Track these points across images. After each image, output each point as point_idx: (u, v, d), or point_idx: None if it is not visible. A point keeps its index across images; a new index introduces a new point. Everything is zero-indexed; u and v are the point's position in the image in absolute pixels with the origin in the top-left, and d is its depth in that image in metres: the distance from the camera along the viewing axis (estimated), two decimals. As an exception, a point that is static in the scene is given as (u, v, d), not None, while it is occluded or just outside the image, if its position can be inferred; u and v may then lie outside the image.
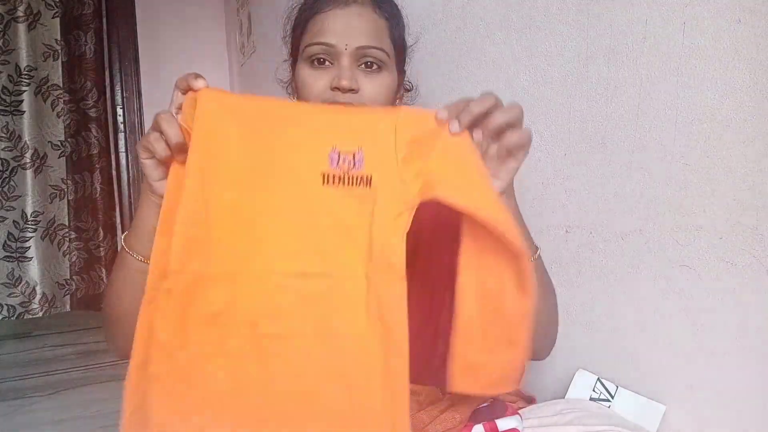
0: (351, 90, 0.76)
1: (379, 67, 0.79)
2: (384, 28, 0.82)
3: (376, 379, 0.58)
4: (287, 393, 0.58)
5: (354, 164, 0.60)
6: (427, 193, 0.60)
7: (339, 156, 0.60)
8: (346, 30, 0.78)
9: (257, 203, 0.60)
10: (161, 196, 0.63)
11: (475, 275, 0.61)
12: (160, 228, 0.61)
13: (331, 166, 0.60)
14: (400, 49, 0.86)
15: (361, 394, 0.58)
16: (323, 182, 0.60)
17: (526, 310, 0.60)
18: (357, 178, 0.60)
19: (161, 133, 0.61)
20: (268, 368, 0.58)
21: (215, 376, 0.58)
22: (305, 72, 0.80)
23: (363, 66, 0.78)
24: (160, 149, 0.61)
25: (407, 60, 0.91)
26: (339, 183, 0.60)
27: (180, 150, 0.60)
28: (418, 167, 0.61)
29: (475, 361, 0.61)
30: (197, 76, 0.61)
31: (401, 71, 0.88)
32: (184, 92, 0.62)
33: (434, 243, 0.73)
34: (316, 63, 0.79)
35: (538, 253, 0.71)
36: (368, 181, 0.60)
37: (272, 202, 0.60)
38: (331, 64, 0.78)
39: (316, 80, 0.78)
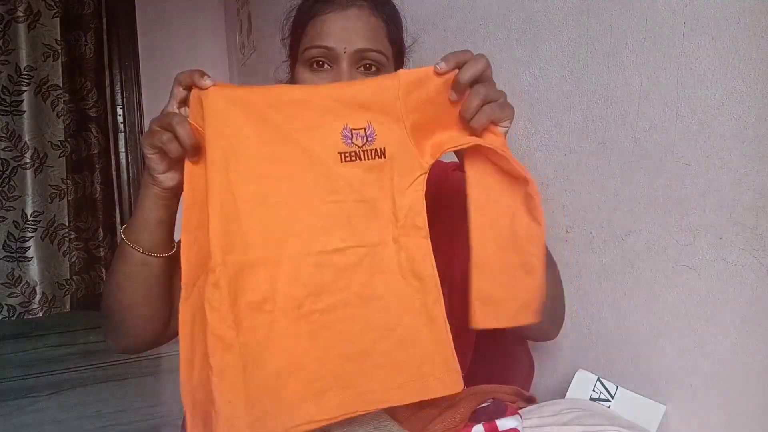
0: None
1: (378, 69, 0.80)
2: (382, 30, 0.82)
3: (421, 327, 0.64)
4: (343, 358, 0.62)
5: (367, 139, 0.64)
6: (437, 151, 0.65)
7: (352, 133, 0.64)
8: (345, 33, 0.78)
9: (282, 190, 0.63)
10: (165, 188, 0.65)
11: (485, 211, 0.66)
12: (185, 225, 0.63)
13: (345, 144, 0.63)
14: (399, 50, 0.87)
15: (412, 343, 0.63)
16: (341, 161, 0.63)
17: (538, 235, 0.65)
18: (371, 152, 0.64)
19: (174, 133, 0.61)
20: (321, 342, 0.62)
21: (271, 360, 0.60)
22: (305, 75, 0.80)
23: (362, 69, 0.79)
24: (174, 149, 0.61)
25: (406, 60, 0.92)
26: (356, 159, 0.64)
27: (194, 150, 0.62)
28: (426, 128, 0.65)
29: (495, 294, 0.66)
30: (202, 74, 0.61)
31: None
32: (187, 89, 0.63)
33: (443, 200, 0.75)
34: (315, 66, 0.79)
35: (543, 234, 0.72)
36: (383, 153, 0.64)
37: (297, 187, 0.63)
38: (330, 66, 0.79)
39: (315, 83, 0.78)
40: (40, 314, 2.94)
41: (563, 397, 0.84)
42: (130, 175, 2.99)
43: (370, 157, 0.64)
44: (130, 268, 0.70)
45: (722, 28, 0.68)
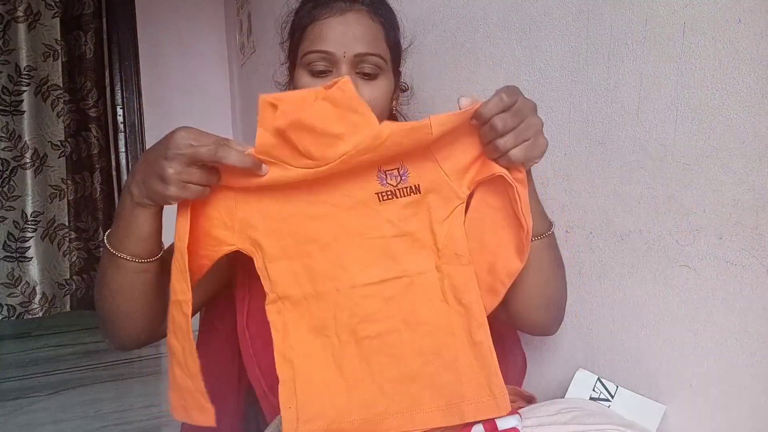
0: None
1: (377, 74, 0.81)
2: (380, 34, 0.83)
3: (466, 351, 0.68)
4: (393, 381, 0.68)
5: (401, 178, 0.69)
6: (472, 182, 0.69)
7: (386, 174, 0.69)
8: (344, 38, 0.79)
9: (331, 231, 0.69)
10: (162, 205, 0.67)
11: (478, 227, 0.70)
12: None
13: (381, 185, 0.69)
14: (396, 52, 0.88)
15: (456, 367, 0.68)
16: (379, 200, 0.69)
17: (515, 270, 0.71)
18: (406, 189, 0.69)
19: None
20: (373, 365, 0.69)
21: (331, 378, 0.69)
22: (304, 80, 0.81)
23: (361, 73, 0.80)
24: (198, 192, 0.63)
25: (402, 61, 0.92)
26: (392, 197, 0.69)
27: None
28: (459, 160, 0.68)
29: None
30: (260, 164, 0.63)
31: (397, 73, 0.90)
32: (225, 167, 0.63)
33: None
34: (314, 70, 0.80)
35: (552, 228, 0.76)
36: (417, 189, 0.69)
37: (342, 227, 0.69)
38: (330, 71, 0.80)
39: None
40: (40, 314, 2.94)
41: (563, 396, 0.84)
42: (130, 175, 2.99)
43: (405, 194, 0.69)
44: (125, 278, 0.69)
45: (722, 28, 0.68)
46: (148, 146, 0.77)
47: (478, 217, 0.70)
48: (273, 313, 0.69)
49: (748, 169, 0.67)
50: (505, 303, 0.75)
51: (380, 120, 0.84)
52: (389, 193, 0.69)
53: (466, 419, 0.67)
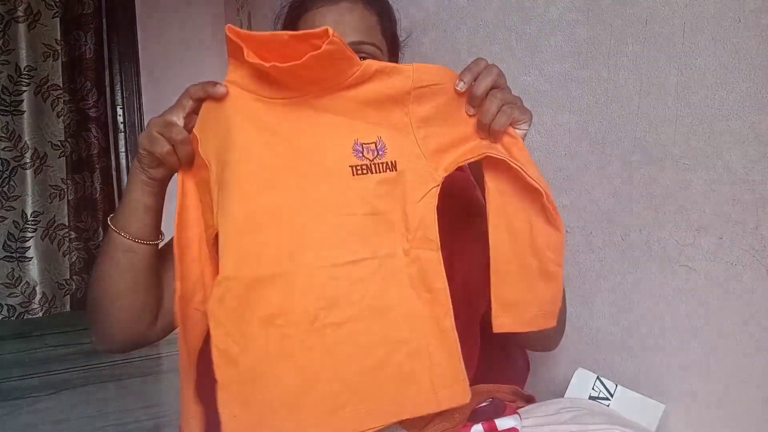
0: None
1: None
2: (375, 24, 0.81)
3: (433, 340, 0.64)
4: (357, 373, 0.62)
5: (377, 153, 0.64)
6: (452, 164, 0.66)
7: (362, 147, 0.64)
8: (338, 26, 0.77)
9: (295, 203, 0.62)
10: (152, 179, 0.67)
11: (503, 217, 0.67)
12: (177, 241, 0.64)
13: (356, 158, 0.64)
14: (393, 45, 0.86)
15: (423, 355, 0.63)
16: (353, 174, 0.63)
17: (557, 242, 0.67)
18: (382, 165, 0.64)
19: (174, 148, 0.63)
20: (335, 355, 0.61)
21: (284, 376, 0.60)
22: None
23: None
24: (172, 162, 0.64)
25: (401, 54, 0.91)
26: (367, 172, 0.64)
27: (189, 165, 0.64)
28: (438, 141, 0.65)
29: (514, 298, 0.68)
30: (215, 83, 0.62)
31: None
32: (198, 101, 0.63)
33: (453, 213, 0.75)
34: None
35: None
36: (393, 166, 0.65)
37: (309, 199, 0.63)
38: None
39: None
40: (40, 314, 2.94)
41: (563, 395, 0.84)
42: (130, 175, 2.99)
43: (381, 170, 0.64)
44: (117, 255, 0.70)
45: (722, 28, 0.68)
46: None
47: (500, 210, 0.68)
48: (215, 301, 0.59)
49: (748, 169, 0.67)
50: None
51: None
52: (364, 167, 0.64)
53: (435, 408, 0.64)
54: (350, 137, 0.64)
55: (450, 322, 0.65)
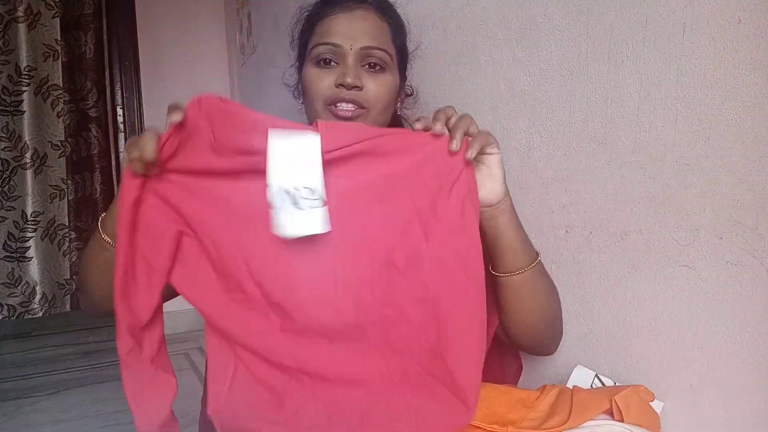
0: (355, 87, 0.80)
1: (382, 68, 0.83)
2: (387, 32, 0.86)
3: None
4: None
5: None
6: None
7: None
8: (352, 31, 0.81)
9: None
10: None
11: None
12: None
13: None
14: (402, 54, 0.90)
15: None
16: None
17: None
18: None
19: (141, 152, 0.63)
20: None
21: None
22: (312, 71, 0.83)
23: (367, 66, 0.82)
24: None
25: (409, 66, 0.94)
26: None
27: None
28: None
29: None
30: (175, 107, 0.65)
31: (402, 76, 0.91)
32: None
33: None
34: (322, 63, 0.82)
35: (538, 259, 0.75)
36: None
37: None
38: (337, 63, 0.82)
39: (321, 79, 0.81)
40: (40, 314, 2.94)
41: (563, 396, 0.84)
42: (130, 175, 2.99)
43: None
44: (98, 255, 0.71)
45: (722, 28, 0.68)
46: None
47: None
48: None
49: (748, 169, 0.67)
50: (503, 328, 0.78)
51: (383, 118, 0.85)
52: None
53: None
54: None
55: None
